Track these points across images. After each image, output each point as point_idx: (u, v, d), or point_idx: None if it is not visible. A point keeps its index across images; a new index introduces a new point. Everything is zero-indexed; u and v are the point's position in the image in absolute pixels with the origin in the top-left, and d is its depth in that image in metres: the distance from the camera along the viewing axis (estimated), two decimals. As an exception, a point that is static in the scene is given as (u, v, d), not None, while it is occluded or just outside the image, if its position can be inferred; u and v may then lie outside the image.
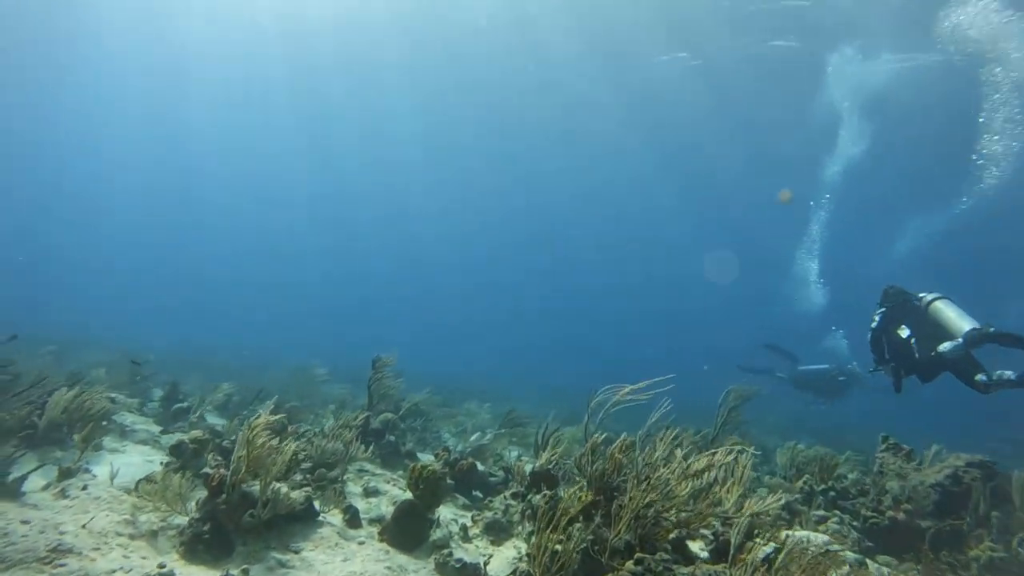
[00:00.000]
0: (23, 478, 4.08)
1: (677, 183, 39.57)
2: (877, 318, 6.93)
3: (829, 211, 22.26)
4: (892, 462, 6.30)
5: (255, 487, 3.85)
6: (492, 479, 6.91)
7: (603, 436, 4.57)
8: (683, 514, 4.39)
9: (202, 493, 3.99)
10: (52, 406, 4.95)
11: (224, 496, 3.85)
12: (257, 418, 3.68)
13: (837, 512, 5.96)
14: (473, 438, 7.71)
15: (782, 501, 5.02)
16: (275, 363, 18.44)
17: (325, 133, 43.99)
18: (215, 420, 8.07)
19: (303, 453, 5.28)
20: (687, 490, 4.34)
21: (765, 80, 25.41)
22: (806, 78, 22.52)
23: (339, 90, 36.64)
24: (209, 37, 32.43)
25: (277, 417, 3.84)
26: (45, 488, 4.13)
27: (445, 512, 5.59)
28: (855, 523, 5.77)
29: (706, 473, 4.48)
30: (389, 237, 62.87)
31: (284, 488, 3.97)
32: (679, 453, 4.38)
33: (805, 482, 6.99)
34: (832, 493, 6.36)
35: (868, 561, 4.82)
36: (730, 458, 4.44)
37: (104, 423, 5.61)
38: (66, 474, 4.24)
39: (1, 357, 6.16)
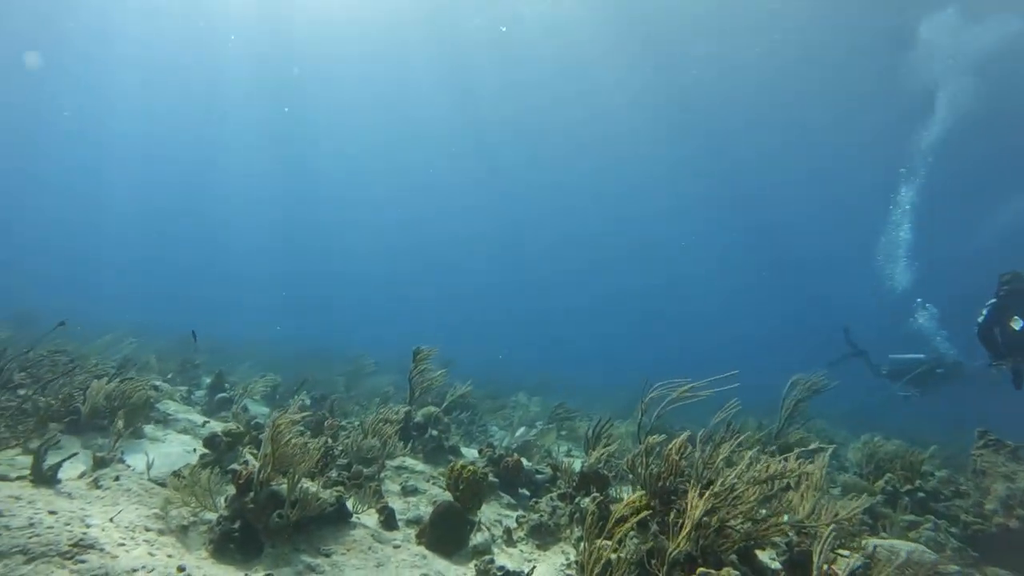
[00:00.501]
0: (58, 465, 3.99)
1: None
2: (985, 311, 6.22)
3: (920, 183, 20.71)
4: (994, 460, 5.58)
5: (284, 486, 3.61)
6: (539, 476, 6.55)
7: (660, 437, 4.14)
8: (751, 523, 3.90)
9: (233, 489, 3.80)
10: (94, 393, 4.91)
11: (252, 495, 3.63)
12: (282, 415, 3.43)
13: (930, 517, 5.30)
14: (519, 433, 7.37)
15: (866, 505, 4.47)
16: (326, 353, 18.70)
17: (353, 137, 44.79)
18: (260, 409, 8.04)
19: (339, 448, 5.06)
20: (756, 496, 3.86)
21: (848, 52, 23.78)
22: (893, 46, 21.01)
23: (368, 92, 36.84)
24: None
25: (302, 415, 3.58)
26: (80, 477, 4.04)
27: (488, 512, 5.28)
28: (953, 530, 5.11)
29: (777, 480, 4.00)
30: (439, 233, 63.53)
31: (314, 487, 3.73)
32: (747, 455, 3.90)
33: (887, 482, 6.33)
34: (921, 494, 5.69)
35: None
36: (810, 467, 3.93)
37: (146, 411, 5.57)
38: (101, 463, 4.15)
39: (53, 343, 6.23)
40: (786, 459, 4.06)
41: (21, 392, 5.20)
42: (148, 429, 5.58)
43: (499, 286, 67.97)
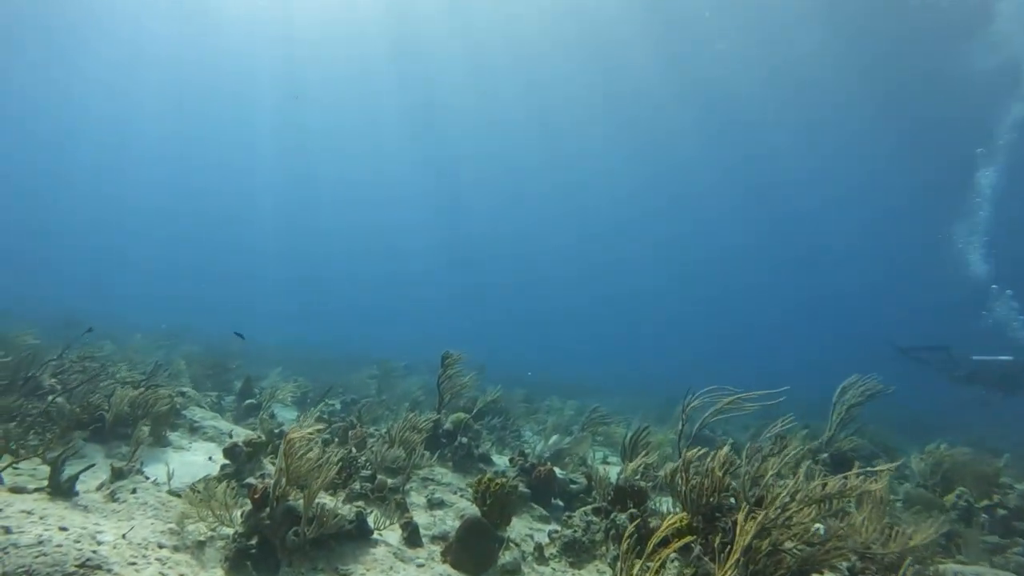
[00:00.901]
0: (75, 477, 3.88)
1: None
2: None
3: (1001, 164, 19.51)
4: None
5: (301, 501, 3.41)
6: (573, 487, 6.25)
7: (701, 451, 3.79)
8: (807, 546, 3.53)
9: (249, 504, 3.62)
10: (118, 401, 4.83)
11: (268, 510, 3.45)
12: (295, 429, 3.22)
13: (1019, 540, 4.78)
14: (552, 440, 7.07)
15: (944, 529, 4.03)
16: (356, 356, 18.74)
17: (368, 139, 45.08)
18: (289, 415, 7.95)
19: (363, 459, 4.86)
20: (812, 517, 3.49)
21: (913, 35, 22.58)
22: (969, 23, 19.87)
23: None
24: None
25: (316, 428, 3.37)
26: (99, 488, 3.92)
27: (518, 527, 5.01)
28: (1045, 557, 4.61)
29: (836, 499, 3.61)
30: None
31: (332, 503, 3.52)
32: (801, 471, 3.52)
33: (960, 496, 5.81)
34: (1002, 511, 5.16)
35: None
36: (873, 486, 3.52)
37: (171, 419, 5.49)
38: (119, 475, 4.04)
39: (81, 349, 6.23)
40: (845, 477, 3.67)
41: (51, 398, 5.17)
42: (174, 436, 5.50)
43: (516, 287, 68.16)
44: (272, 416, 6.98)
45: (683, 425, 4.10)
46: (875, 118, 28.75)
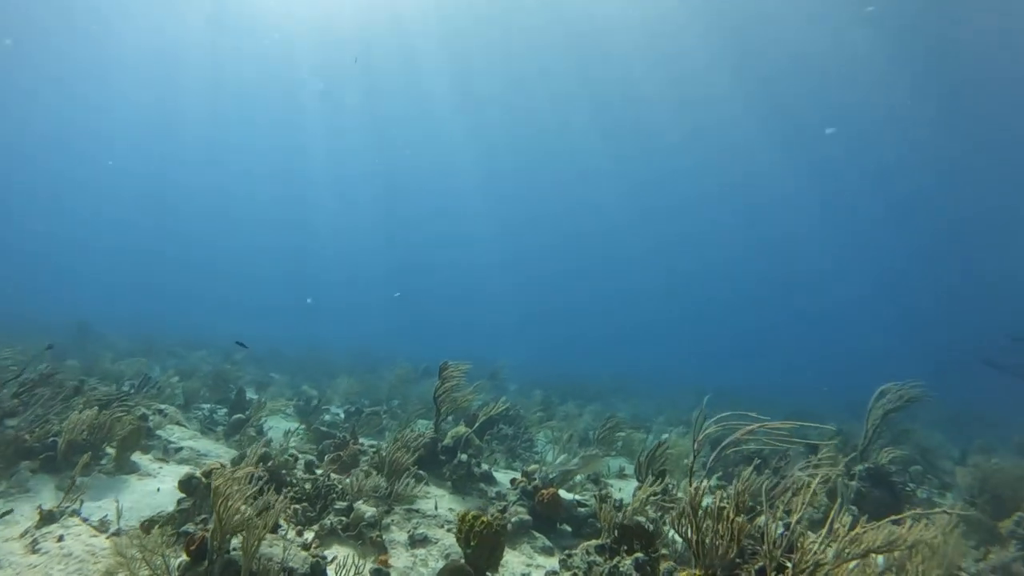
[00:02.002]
0: None
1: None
2: None
3: None
4: None
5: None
6: (582, 510, 5.67)
7: (708, 483, 3.19)
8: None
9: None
10: (70, 427, 4.41)
11: (206, 565, 2.96)
12: (222, 474, 2.72)
13: None
14: (559, 460, 6.51)
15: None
16: (373, 359, 18.39)
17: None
18: (286, 426, 7.52)
19: (339, 487, 4.36)
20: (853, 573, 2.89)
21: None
22: None
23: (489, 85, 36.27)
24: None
25: (248, 470, 2.86)
26: (22, 535, 3.48)
27: (515, 562, 4.47)
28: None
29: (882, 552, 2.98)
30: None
31: (279, 553, 3.01)
32: (843, 522, 2.89)
33: (1018, 523, 5.11)
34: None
35: None
36: (928, 533, 2.89)
37: (139, 442, 5.06)
38: (47, 519, 3.58)
39: (45, 367, 5.85)
40: (895, 521, 3.04)
41: (10, 423, 4.79)
42: (144, 461, 5.08)
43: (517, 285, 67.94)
44: (260, 432, 6.54)
45: (694, 457, 3.49)
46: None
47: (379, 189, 55.10)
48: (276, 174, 53.07)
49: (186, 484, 3.95)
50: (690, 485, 2.98)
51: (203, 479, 3.98)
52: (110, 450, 4.59)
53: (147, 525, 3.60)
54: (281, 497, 3.16)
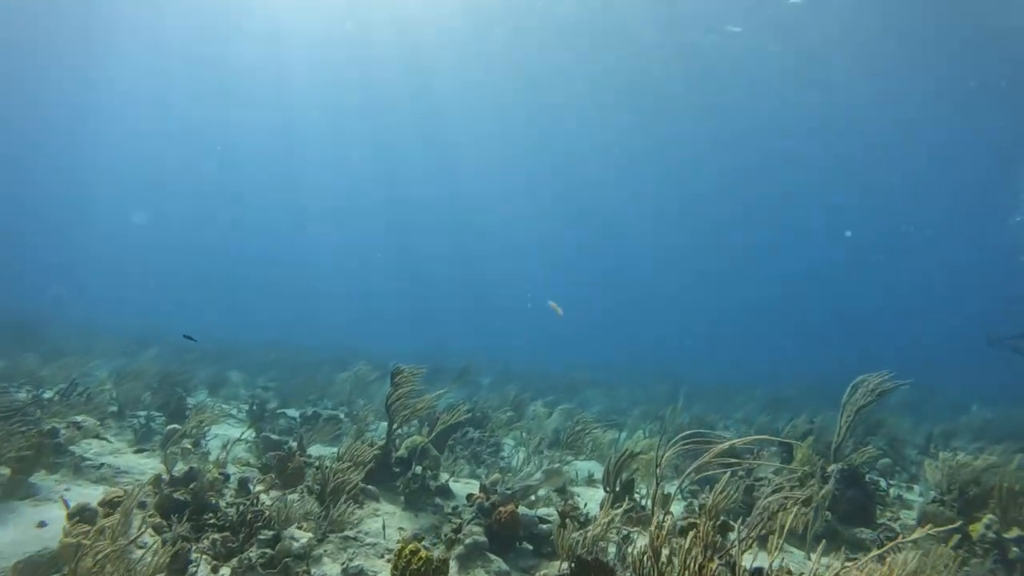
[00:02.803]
0: None
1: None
2: None
3: None
4: None
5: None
6: (544, 527, 5.24)
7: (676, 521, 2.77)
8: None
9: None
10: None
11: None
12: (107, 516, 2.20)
13: None
14: (521, 475, 6.08)
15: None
16: (339, 355, 17.73)
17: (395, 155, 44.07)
18: (231, 433, 6.95)
19: (266, 514, 3.85)
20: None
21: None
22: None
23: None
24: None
25: (125, 510, 2.35)
26: None
27: (468, 591, 4.02)
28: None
29: None
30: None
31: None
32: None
33: (988, 527, 4.85)
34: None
35: None
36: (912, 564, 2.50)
37: (43, 460, 4.48)
38: None
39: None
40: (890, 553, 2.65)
41: None
42: (48, 482, 4.49)
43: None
44: (197, 445, 5.96)
45: (657, 486, 3.07)
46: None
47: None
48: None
49: (80, 514, 3.41)
50: (653, 526, 2.55)
51: (100, 508, 3.44)
52: (4, 471, 4.01)
53: (23, 568, 3.06)
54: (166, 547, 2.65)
